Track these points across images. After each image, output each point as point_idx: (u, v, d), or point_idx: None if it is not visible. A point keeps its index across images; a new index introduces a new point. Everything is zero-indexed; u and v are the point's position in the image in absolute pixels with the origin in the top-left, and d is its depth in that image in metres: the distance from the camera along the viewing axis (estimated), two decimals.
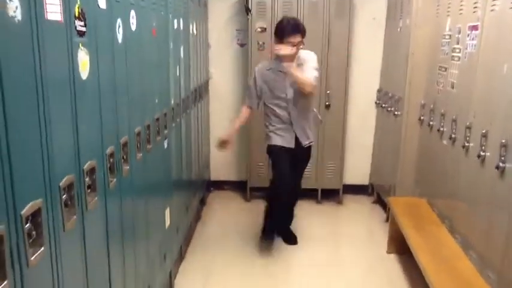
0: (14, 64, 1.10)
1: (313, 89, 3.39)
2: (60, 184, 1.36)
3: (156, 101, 2.56)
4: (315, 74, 3.39)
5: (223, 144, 3.58)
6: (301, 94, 3.41)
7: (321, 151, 4.70)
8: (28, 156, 1.19)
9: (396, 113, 4.12)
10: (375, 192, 4.89)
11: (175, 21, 3.05)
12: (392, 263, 3.58)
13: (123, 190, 1.95)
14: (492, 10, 2.68)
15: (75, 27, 1.44)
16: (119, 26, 1.88)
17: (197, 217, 4.30)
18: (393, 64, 4.40)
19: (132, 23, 2.07)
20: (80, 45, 1.49)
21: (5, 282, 1.06)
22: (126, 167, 1.98)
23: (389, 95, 4.39)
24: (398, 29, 4.21)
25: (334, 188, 4.84)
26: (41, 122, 1.24)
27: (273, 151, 3.59)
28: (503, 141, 2.40)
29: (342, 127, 4.67)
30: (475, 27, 2.90)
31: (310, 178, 4.70)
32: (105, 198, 1.75)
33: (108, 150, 1.77)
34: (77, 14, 1.45)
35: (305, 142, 3.58)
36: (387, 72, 4.64)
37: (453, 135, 3.10)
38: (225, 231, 4.18)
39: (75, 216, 1.45)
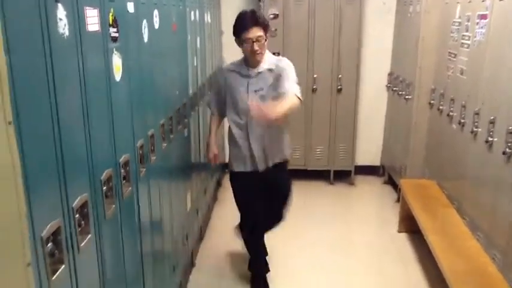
0: (62, 72, 1.24)
1: (298, 106, 2.66)
2: (102, 178, 1.52)
3: (177, 92, 2.70)
4: (297, 88, 2.70)
5: (211, 159, 3.02)
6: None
7: (333, 133, 4.83)
8: (76, 155, 1.34)
9: (407, 96, 4.22)
10: (386, 173, 5.03)
11: (192, 13, 3.16)
12: (403, 241, 3.74)
13: (151, 178, 2.12)
14: (501, 0, 2.75)
15: (110, 34, 1.58)
16: (145, 27, 2.01)
17: (214, 198, 4.48)
18: (404, 49, 4.48)
19: (156, 22, 2.20)
20: (114, 50, 1.62)
21: (63, 266, 1.22)
22: (153, 157, 2.14)
23: (400, 79, 4.48)
24: (409, 14, 4.27)
25: (346, 169, 4.98)
26: (85, 122, 1.39)
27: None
28: (510, 128, 2.51)
29: (353, 110, 4.78)
30: (483, 16, 2.97)
31: (322, 159, 4.87)
32: (137, 186, 1.91)
33: (139, 143, 1.92)
34: (110, 22, 1.59)
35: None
36: (398, 57, 4.72)
37: (462, 120, 3.21)
38: (238, 213, 4.35)
39: (113, 206, 1.62)
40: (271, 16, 4.59)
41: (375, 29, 4.82)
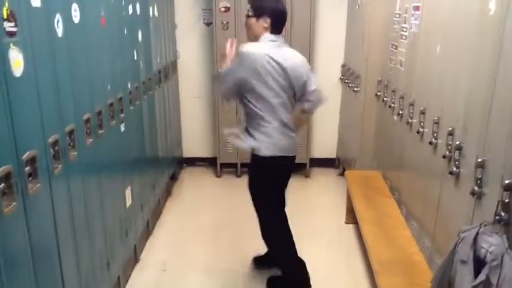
0: None
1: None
2: None
3: (109, 87, 2.67)
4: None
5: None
6: None
7: None
8: None
9: (355, 89, 4.26)
10: (340, 165, 5.08)
11: (130, 6, 3.13)
12: (349, 232, 3.79)
13: (71, 175, 2.10)
14: None
15: (4, 29, 1.56)
16: (58, 21, 1.98)
17: (167, 193, 4.47)
18: (353, 41, 4.52)
19: (75, 16, 2.17)
20: (11, 44, 1.60)
21: None
22: (73, 153, 2.12)
23: (351, 71, 4.52)
24: (357, 7, 4.31)
25: (302, 162, 5.01)
26: None
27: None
28: (435, 118, 2.56)
29: None
30: (417, 8, 3.02)
31: None
32: (50, 183, 1.89)
33: (51, 139, 1.90)
34: (5, 16, 1.56)
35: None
36: (349, 49, 4.76)
37: (401, 112, 3.26)
38: (194, 206, 4.37)
39: (14, 203, 1.60)
40: (223, 9, 4.58)
41: (328, 21, 4.85)
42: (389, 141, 3.64)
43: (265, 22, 2.74)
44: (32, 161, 1.74)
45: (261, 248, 3.13)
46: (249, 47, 2.69)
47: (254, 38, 2.79)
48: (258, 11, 2.75)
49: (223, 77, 2.77)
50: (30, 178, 1.73)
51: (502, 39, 1.84)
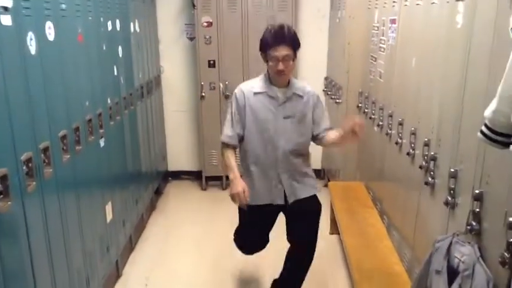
0: None
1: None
2: None
3: (87, 103, 2.67)
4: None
5: (237, 197, 2.54)
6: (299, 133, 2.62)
7: None
8: None
9: (337, 100, 4.30)
10: (326, 176, 5.09)
11: (109, 22, 3.14)
12: (333, 243, 3.79)
13: (46, 192, 2.09)
14: (405, 5, 2.84)
15: None
16: (31, 39, 1.99)
17: (151, 207, 4.45)
18: (335, 54, 4.57)
19: (49, 34, 2.17)
20: None
21: None
22: (48, 170, 2.11)
23: (333, 83, 4.56)
24: (337, 20, 4.36)
25: None
26: None
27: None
28: (412, 129, 2.58)
29: None
30: (393, 21, 3.06)
31: None
32: (22, 201, 1.88)
33: (24, 157, 1.89)
34: None
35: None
36: (331, 62, 4.81)
37: (380, 123, 3.29)
38: (178, 220, 4.35)
39: None
40: (205, 24, 4.61)
41: (310, 35, 4.87)
42: (371, 152, 3.66)
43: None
44: (2, 178, 1.73)
45: (244, 262, 3.12)
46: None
47: (285, 82, 2.60)
48: (296, 49, 2.54)
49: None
50: (1, 196, 1.72)
51: (469, 52, 1.88)
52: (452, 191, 2.01)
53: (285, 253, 2.85)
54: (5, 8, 1.77)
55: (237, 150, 2.70)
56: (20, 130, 1.88)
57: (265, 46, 2.51)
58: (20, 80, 1.89)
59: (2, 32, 1.76)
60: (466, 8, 1.95)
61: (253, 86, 2.62)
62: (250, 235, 2.89)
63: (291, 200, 2.66)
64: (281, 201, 2.67)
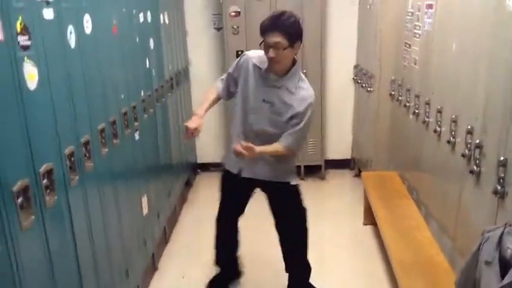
0: None
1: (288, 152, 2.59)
2: (14, 189, 1.50)
3: (122, 96, 2.67)
4: (297, 138, 2.58)
5: (189, 132, 2.54)
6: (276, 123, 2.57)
7: None
8: None
9: (369, 89, 4.22)
10: (356, 166, 5.03)
11: (141, 14, 3.13)
12: (367, 234, 3.75)
13: (88, 186, 2.10)
14: None
15: (19, 43, 1.56)
16: (71, 32, 1.98)
17: (182, 200, 4.46)
18: (366, 41, 4.48)
19: (87, 27, 2.17)
20: (26, 58, 1.60)
21: None
22: (89, 164, 2.12)
23: (364, 71, 4.48)
24: (368, 6, 4.27)
25: (317, 164, 4.98)
26: None
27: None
28: (453, 116, 2.51)
29: (319, 105, 4.76)
30: (430, 6, 2.97)
31: None
32: (67, 195, 1.88)
33: (67, 151, 1.90)
34: (19, 30, 1.56)
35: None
36: (361, 49, 4.72)
37: (416, 111, 3.21)
38: (210, 212, 4.32)
39: (32, 217, 1.59)
40: (233, 14, 4.57)
41: (339, 21, 4.81)
42: (405, 141, 3.59)
43: (298, 47, 2.53)
44: (48, 173, 1.74)
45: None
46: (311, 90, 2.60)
47: (281, 71, 2.55)
48: (293, 38, 2.45)
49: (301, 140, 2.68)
50: (48, 191, 1.73)
51: None
52: (501, 180, 1.94)
53: None
54: (47, 2, 1.76)
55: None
56: (64, 124, 1.88)
57: (261, 31, 2.50)
58: (62, 74, 1.89)
59: (45, 26, 1.75)
60: None
61: (258, 58, 2.61)
62: (225, 202, 3.03)
63: (244, 175, 2.73)
64: (235, 171, 2.75)
